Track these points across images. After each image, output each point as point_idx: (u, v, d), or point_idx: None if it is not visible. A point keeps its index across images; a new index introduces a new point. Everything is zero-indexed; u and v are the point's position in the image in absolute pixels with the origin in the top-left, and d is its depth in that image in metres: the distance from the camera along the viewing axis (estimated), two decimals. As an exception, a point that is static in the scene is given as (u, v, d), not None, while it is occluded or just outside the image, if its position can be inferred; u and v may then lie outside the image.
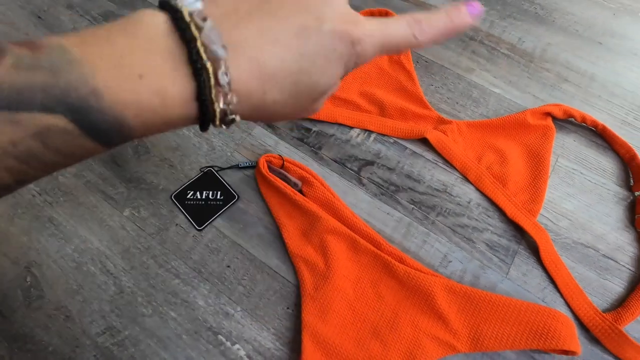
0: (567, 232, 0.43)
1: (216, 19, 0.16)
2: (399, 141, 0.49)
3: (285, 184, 0.43)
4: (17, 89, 0.13)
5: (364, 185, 0.46)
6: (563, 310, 0.39)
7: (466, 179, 0.46)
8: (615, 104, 0.52)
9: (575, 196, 0.46)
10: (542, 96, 0.52)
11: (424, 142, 0.48)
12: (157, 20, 0.16)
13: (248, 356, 0.37)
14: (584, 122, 0.49)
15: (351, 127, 0.50)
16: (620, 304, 0.39)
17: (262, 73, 0.17)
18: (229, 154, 0.48)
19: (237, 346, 0.37)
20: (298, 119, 0.23)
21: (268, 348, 0.37)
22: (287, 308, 0.39)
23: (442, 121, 0.49)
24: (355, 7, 0.59)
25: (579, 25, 0.59)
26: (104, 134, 0.15)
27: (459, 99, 0.52)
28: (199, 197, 0.45)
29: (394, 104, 0.50)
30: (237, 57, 0.16)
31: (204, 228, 0.43)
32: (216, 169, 0.46)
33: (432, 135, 0.47)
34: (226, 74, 0.16)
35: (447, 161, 0.47)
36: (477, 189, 0.45)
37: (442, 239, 0.43)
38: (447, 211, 0.44)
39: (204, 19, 0.16)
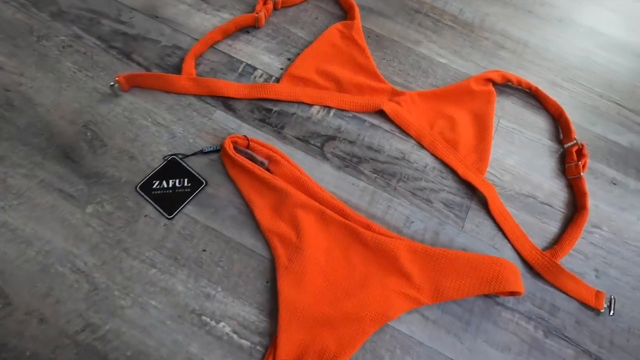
0: (510, 184, 0.49)
1: None
2: (358, 115, 0.51)
3: (253, 164, 0.44)
4: None
5: (328, 159, 0.48)
6: (510, 253, 0.45)
7: (421, 145, 0.50)
8: (545, 67, 0.58)
9: (516, 152, 0.51)
10: (483, 63, 0.57)
11: (381, 114, 0.51)
12: None
13: (234, 331, 0.39)
14: (520, 85, 0.54)
15: (311, 105, 0.51)
16: (556, 242, 0.45)
17: None
18: (191, 140, 0.47)
19: (222, 324, 0.39)
20: None
21: (252, 321, 0.39)
22: (267, 282, 0.41)
23: (395, 93, 0.52)
24: (304, -16, 0.59)
25: (511, -5, 0.64)
26: None
27: (410, 71, 0.55)
28: (165, 186, 0.44)
29: (349, 79, 0.51)
30: None
31: (174, 216, 0.43)
32: (180, 156, 0.46)
33: (388, 107, 0.50)
34: None
35: (403, 130, 0.50)
36: (432, 154, 0.49)
37: (404, 202, 0.46)
38: (407, 177, 0.48)
39: None
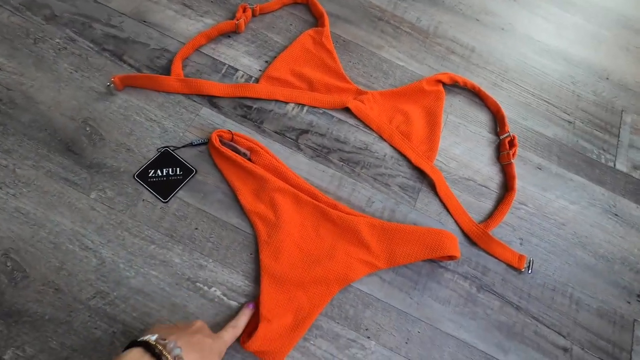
0: (455, 170, 0.58)
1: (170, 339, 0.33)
2: (327, 111, 0.59)
3: (236, 154, 0.51)
4: None
5: (301, 150, 0.56)
6: (452, 225, 0.54)
7: (381, 137, 0.58)
8: (488, 70, 0.67)
9: (461, 143, 0.60)
10: (435, 66, 0.66)
11: (347, 110, 0.59)
12: (136, 354, 0.30)
13: (224, 294, 0.46)
14: (466, 86, 0.63)
15: (286, 103, 0.58)
16: (489, 217, 0.55)
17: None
18: (181, 134, 0.54)
19: (213, 289, 0.46)
20: None
21: (239, 286, 0.47)
22: (250, 254, 0.49)
23: (359, 92, 0.60)
24: (279, -7, 0.66)
25: (462, 5, 0.73)
26: None
27: (373, 72, 0.63)
28: (160, 174, 0.51)
29: (320, 80, 0.59)
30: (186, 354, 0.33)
31: (169, 200, 0.50)
32: (172, 148, 0.52)
33: (353, 105, 0.58)
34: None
35: (366, 125, 0.58)
36: (390, 145, 0.58)
37: (366, 186, 0.55)
38: (369, 164, 0.56)
39: (163, 339, 0.32)
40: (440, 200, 0.55)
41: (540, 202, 0.58)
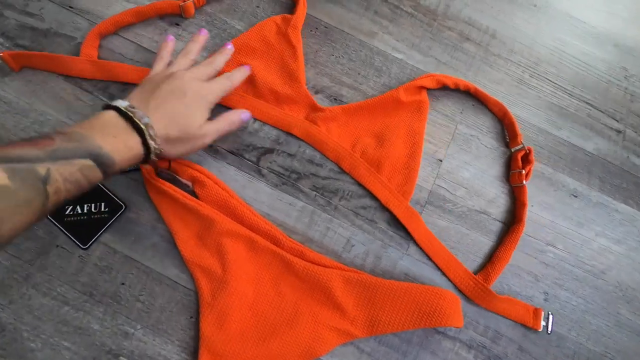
0: (463, 200, 0.45)
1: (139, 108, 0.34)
2: (299, 123, 0.46)
3: (175, 187, 0.40)
4: (68, 150, 0.29)
5: (263, 176, 0.44)
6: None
7: (341, 168, 0.44)
8: (513, 62, 0.52)
9: (472, 163, 0.47)
10: (444, 59, 0.51)
11: (324, 122, 0.46)
12: (111, 115, 0.33)
13: (153, 372, 0.36)
14: (458, 87, 0.48)
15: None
16: (487, 262, 0.43)
17: (165, 125, 0.35)
18: (110, 157, 0.42)
19: (141, 364, 0.37)
20: (195, 149, 0.38)
21: (174, 360, 0.37)
22: (191, 317, 0.38)
23: (315, 108, 0.45)
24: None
25: (482, -26, 0.56)
26: (105, 166, 0.31)
27: (361, 69, 0.49)
28: (79, 211, 0.40)
29: (267, 82, 0.44)
30: (154, 122, 0.34)
31: (89, 246, 0.39)
32: (96, 177, 0.41)
33: (300, 130, 0.44)
34: (151, 130, 0.33)
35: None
36: (352, 178, 0.44)
37: (344, 223, 0.43)
38: (350, 194, 0.44)
39: (133, 107, 0.34)
40: (422, 251, 0.43)
41: (574, 242, 0.45)
